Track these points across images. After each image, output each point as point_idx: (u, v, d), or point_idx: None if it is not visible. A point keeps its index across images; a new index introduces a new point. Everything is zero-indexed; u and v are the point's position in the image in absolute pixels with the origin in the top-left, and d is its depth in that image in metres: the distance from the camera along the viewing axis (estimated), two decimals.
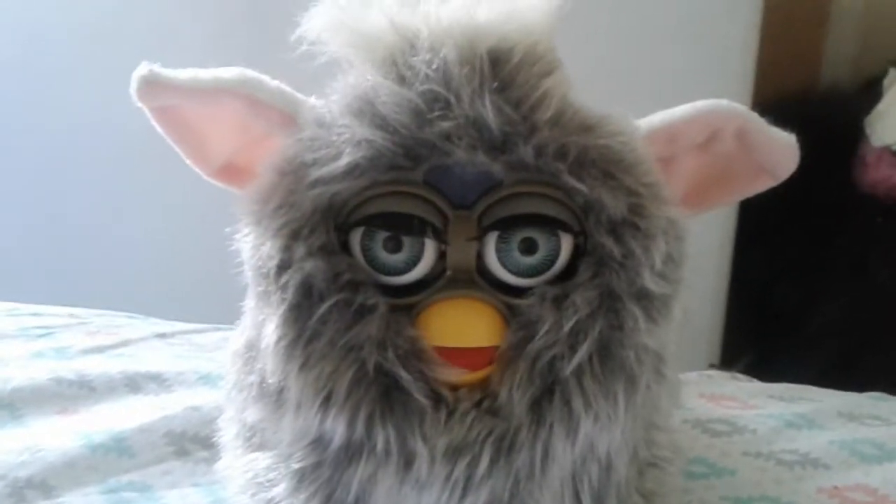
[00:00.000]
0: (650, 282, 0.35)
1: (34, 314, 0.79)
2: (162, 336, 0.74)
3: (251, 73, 0.40)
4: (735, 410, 0.59)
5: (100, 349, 0.69)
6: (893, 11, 1.31)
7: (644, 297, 0.35)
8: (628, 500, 0.39)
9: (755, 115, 0.42)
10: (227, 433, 0.44)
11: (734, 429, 0.55)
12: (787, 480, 0.50)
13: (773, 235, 1.22)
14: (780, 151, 0.42)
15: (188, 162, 0.43)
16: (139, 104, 0.41)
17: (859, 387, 0.67)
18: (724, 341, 1.23)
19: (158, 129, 0.42)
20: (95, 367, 0.64)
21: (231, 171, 0.44)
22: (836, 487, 0.49)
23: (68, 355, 0.67)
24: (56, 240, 1.36)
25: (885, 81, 1.21)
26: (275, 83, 0.40)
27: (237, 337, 0.41)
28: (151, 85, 0.40)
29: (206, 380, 0.62)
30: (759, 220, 1.15)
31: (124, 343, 0.71)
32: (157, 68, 0.40)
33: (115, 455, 0.52)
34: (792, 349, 1.21)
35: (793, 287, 1.23)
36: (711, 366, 1.01)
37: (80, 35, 1.27)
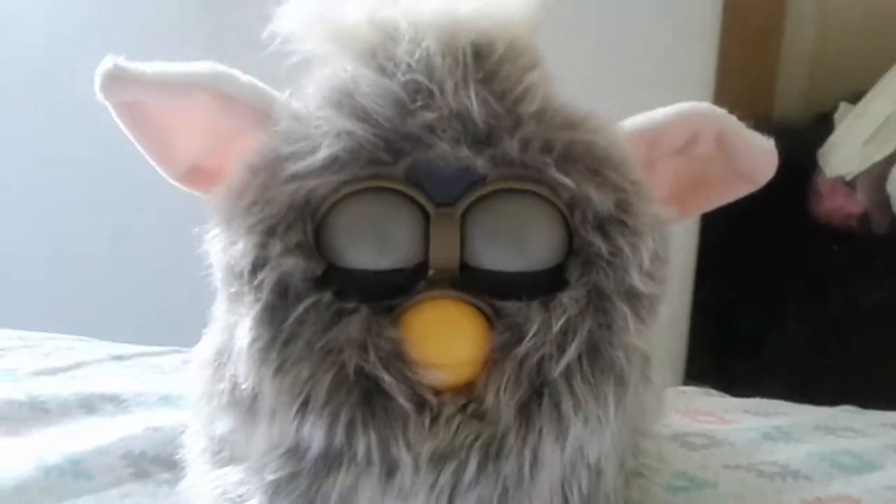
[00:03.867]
0: (638, 281, 0.34)
1: None
2: (118, 358, 0.71)
3: (222, 67, 0.39)
4: (711, 424, 0.58)
5: (52, 371, 0.66)
6: (841, 51, 1.36)
7: (633, 297, 0.34)
8: None
9: (735, 119, 0.41)
10: (193, 449, 0.42)
11: (712, 442, 0.55)
12: (769, 493, 0.49)
13: (733, 262, 1.23)
14: (759, 156, 0.42)
15: (152, 163, 0.41)
16: (102, 100, 0.39)
17: (821, 404, 0.67)
18: (687, 365, 1.23)
19: (122, 126, 0.40)
20: (48, 388, 0.60)
21: (198, 175, 0.42)
22: (818, 499, 0.48)
23: (18, 377, 0.64)
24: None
25: (836, 116, 1.25)
26: (247, 78, 0.39)
27: (205, 345, 0.39)
28: (116, 79, 0.38)
29: (167, 400, 0.59)
30: (719, 247, 1.16)
31: (78, 365, 0.68)
32: (123, 62, 0.38)
33: (71, 478, 0.49)
34: (753, 372, 1.22)
35: (753, 312, 1.24)
36: None
37: (52, 36, 1.23)
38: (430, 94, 0.33)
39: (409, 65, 0.34)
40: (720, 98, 1.15)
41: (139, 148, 0.40)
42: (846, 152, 1.21)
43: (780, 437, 0.56)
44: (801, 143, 1.21)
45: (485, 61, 0.34)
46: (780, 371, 1.17)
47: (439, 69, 0.33)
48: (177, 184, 0.42)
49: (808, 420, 0.59)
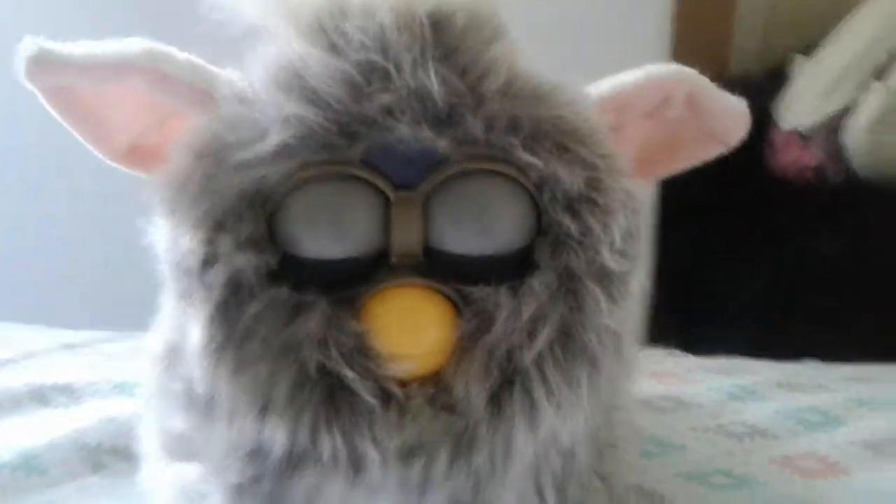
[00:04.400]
0: (610, 260, 0.33)
1: None
2: (69, 346, 0.69)
3: (157, 45, 0.36)
4: (677, 386, 0.58)
5: (2, 363, 0.63)
6: (795, 4, 1.37)
7: (604, 277, 0.33)
8: (589, 486, 0.37)
9: (706, 80, 0.40)
10: (148, 441, 0.40)
11: (679, 404, 0.55)
12: (737, 453, 0.49)
13: (691, 219, 1.24)
14: (731, 117, 0.41)
15: (88, 146, 0.39)
16: (28, 85, 0.36)
17: (784, 359, 0.67)
18: (651, 325, 1.24)
19: (52, 111, 0.37)
20: None
21: (137, 155, 0.39)
22: (786, 457, 0.48)
23: None
24: None
25: (792, 69, 1.25)
26: (184, 56, 0.36)
27: (155, 339, 0.38)
28: (42, 64, 0.35)
29: (122, 388, 0.57)
30: (678, 207, 1.16)
31: (28, 356, 0.66)
32: (48, 44, 0.35)
33: (24, 474, 0.47)
34: (717, 328, 1.23)
35: (715, 269, 1.25)
36: None
37: None
38: (386, 74, 0.32)
39: (362, 42, 0.32)
40: (677, 54, 1.16)
41: (72, 131, 0.38)
42: (802, 105, 1.21)
43: (745, 395, 0.56)
44: (757, 97, 1.22)
45: (444, 34, 0.32)
46: (744, 327, 1.19)
47: (395, 46, 0.31)
48: (115, 165, 0.40)
49: (771, 377, 0.60)
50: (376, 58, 0.32)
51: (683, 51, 1.13)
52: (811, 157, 1.17)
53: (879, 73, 1.18)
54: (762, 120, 1.21)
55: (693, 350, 0.70)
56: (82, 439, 0.50)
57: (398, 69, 0.31)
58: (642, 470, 0.46)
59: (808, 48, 1.23)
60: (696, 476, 0.46)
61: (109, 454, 0.49)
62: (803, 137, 1.18)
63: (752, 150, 1.21)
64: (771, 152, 1.21)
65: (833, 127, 1.16)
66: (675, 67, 0.40)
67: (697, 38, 1.21)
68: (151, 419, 0.39)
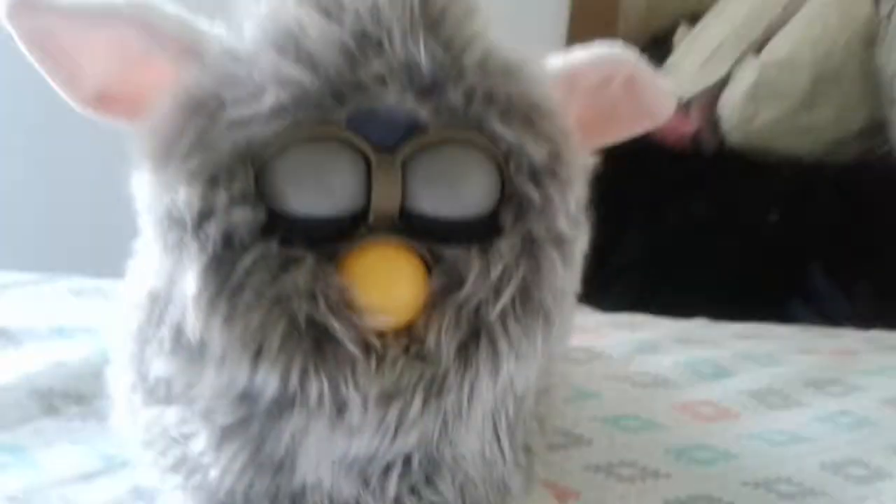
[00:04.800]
0: (565, 226, 0.37)
1: None
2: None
3: None
4: (589, 340, 0.64)
5: None
6: None
7: (560, 242, 0.37)
8: (530, 428, 0.42)
9: (644, 63, 0.44)
10: (119, 385, 0.42)
11: (592, 356, 0.61)
12: (644, 400, 0.55)
13: None
14: (662, 98, 0.45)
15: (57, 88, 0.38)
16: (6, 25, 0.35)
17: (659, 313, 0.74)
18: None
19: (25, 50, 0.37)
20: None
21: (108, 102, 0.39)
22: (685, 403, 0.55)
23: None
24: None
25: (675, 37, 1.31)
26: (173, 8, 0.37)
27: (135, 285, 0.39)
28: (26, 6, 0.35)
29: (61, 332, 0.58)
30: None
31: None
32: None
33: None
34: (599, 285, 1.30)
35: (597, 230, 1.32)
36: None
37: None
38: (379, 43, 0.34)
39: (357, 11, 0.34)
40: (572, 22, 1.20)
41: (42, 71, 0.37)
42: (682, 74, 1.28)
43: (648, 349, 0.63)
44: None
45: (430, 7, 0.35)
46: (620, 287, 1.26)
47: (387, 16, 0.34)
48: (83, 111, 0.40)
49: (669, 333, 0.67)
50: (370, 27, 0.34)
51: (577, 20, 1.18)
52: (689, 125, 1.25)
53: (756, 47, 1.27)
54: None
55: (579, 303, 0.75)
56: (33, 383, 0.51)
57: (390, 40, 0.34)
58: (565, 414, 0.52)
59: (693, 17, 1.29)
60: (610, 420, 0.52)
61: (61, 398, 0.51)
62: (682, 106, 1.25)
63: None
64: None
65: (711, 97, 1.24)
66: (618, 50, 0.44)
67: (587, 6, 1.26)
68: (125, 363, 0.41)
